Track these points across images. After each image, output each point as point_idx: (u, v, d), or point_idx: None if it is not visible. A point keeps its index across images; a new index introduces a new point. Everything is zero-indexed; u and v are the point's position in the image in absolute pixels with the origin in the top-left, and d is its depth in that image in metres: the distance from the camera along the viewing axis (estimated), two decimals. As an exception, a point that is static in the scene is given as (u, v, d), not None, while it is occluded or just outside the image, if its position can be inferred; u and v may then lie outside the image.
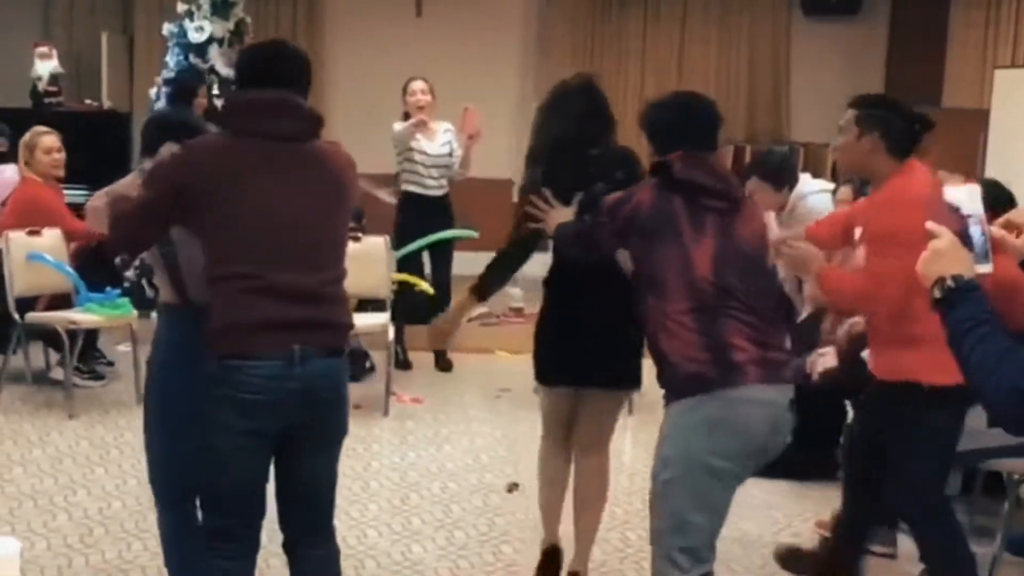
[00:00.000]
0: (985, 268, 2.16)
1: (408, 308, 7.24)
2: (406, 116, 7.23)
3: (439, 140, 7.24)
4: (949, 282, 2.11)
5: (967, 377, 2.08)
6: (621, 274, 3.47)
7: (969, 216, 2.19)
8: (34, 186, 6.52)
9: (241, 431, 2.89)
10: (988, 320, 2.06)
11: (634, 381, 3.87)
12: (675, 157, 3.17)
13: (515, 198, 9.89)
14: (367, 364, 7.10)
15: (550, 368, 3.85)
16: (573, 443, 3.95)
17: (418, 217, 7.19)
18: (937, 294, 2.14)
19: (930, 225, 2.19)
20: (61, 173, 6.62)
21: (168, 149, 3.11)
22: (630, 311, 3.30)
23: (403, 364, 7.34)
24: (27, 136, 6.59)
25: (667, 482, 3.07)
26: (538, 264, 4.84)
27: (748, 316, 3.05)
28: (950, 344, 2.12)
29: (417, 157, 7.15)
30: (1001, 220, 2.24)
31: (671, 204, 3.12)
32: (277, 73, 3.00)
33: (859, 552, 4.16)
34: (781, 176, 5.63)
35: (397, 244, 7.17)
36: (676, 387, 3.09)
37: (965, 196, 2.21)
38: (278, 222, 2.90)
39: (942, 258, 2.15)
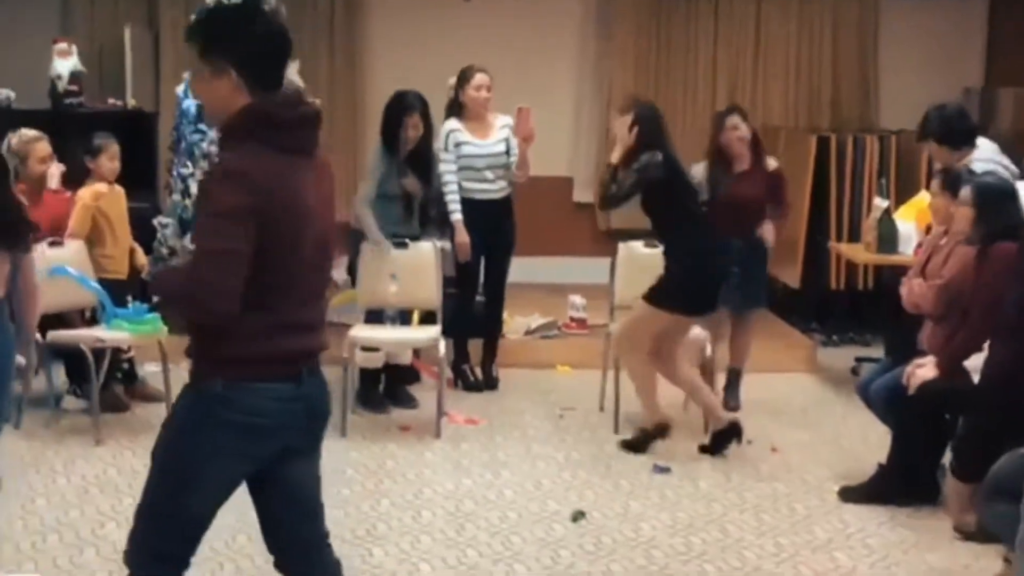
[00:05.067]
0: None
1: (461, 322, 7.24)
2: (453, 107, 7.21)
3: (495, 136, 7.20)
4: None
5: None
6: None
7: None
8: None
9: (239, 455, 2.97)
10: None
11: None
12: None
13: (575, 197, 10.06)
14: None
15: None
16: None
17: (472, 222, 7.08)
18: None
19: None
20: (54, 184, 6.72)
21: None
22: None
23: (474, 386, 7.35)
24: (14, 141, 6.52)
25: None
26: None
27: None
28: None
29: (465, 161, 7.08)
30: None
31: None
32: (281, 63, 2.97)
33: None
34: (954, 137, 6.00)
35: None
36: None
37: None
38: (307, 254, 2.96)
39: None
